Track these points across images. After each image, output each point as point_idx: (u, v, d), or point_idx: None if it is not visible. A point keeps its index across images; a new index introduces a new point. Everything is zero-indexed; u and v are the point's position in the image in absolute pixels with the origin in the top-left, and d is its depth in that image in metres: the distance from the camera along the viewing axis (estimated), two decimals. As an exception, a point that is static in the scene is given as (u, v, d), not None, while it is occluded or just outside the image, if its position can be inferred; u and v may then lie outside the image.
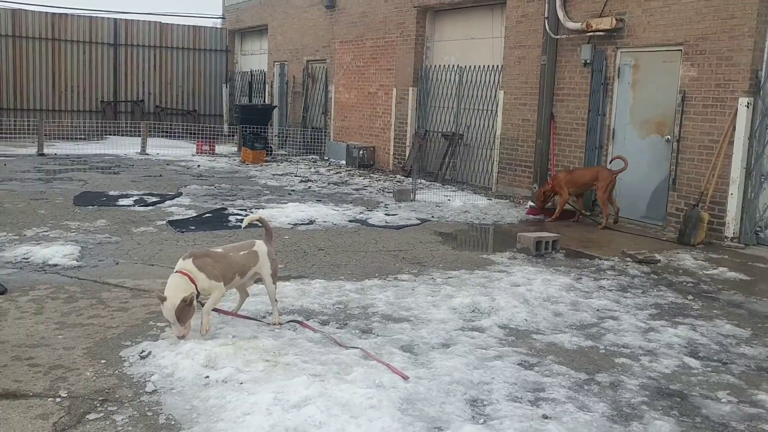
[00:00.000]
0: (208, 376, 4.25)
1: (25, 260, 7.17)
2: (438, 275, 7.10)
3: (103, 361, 4.55)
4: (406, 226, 9.84)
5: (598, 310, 6.17)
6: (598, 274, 7.50)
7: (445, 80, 14.93)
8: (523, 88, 12.61)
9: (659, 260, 8.17)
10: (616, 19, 10.51)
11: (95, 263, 7.17)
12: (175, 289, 4.67)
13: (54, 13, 22.78)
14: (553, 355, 5.01)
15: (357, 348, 4.81)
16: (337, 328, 5.35)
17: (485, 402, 4.16)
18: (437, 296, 6.26)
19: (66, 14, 23.04)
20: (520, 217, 10.87)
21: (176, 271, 4.79)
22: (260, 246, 5.35)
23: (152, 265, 7.18)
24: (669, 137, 10.06)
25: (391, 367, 4.46)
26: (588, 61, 11.13)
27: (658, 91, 10.22)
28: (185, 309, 4.66)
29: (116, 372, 4.39)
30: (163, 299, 4.63)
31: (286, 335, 5.05)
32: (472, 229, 10.04)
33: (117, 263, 7.21)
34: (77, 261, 7.20)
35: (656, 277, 7.49)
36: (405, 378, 4.33)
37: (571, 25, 11.32)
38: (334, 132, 19.10)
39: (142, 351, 4.68)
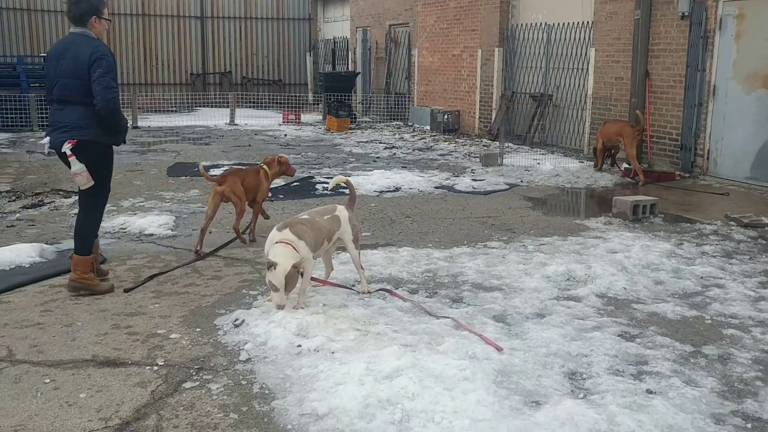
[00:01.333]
0: (300, 345, 4.24)
1: (123, 230, 7.38)
2: (529, 242, 6.89)
3: (198, 330, 4.61)
4: (495, 191, 9.62)
5: (702, 277, 5.84)
6: (700, 239, 7.12)
7: (533, 39, 14.44)
8: (615, 44, 12.05)
9: (767, 224, 7.69)
10: (719, -33, 9.86)
11: (189, 233, 7.31)
12: (284, 256, 4.63)
13: (143, -11, 23.36)
14: (655, 326, 4.77)
15: (448, 318, 4.71)
16: (426, 297, 5.26)
17: (585, 375, 3.99)
18: (529, 264, 6.07)
19: (154, -11, 23.58)
20: (614, 180, 10.46)
21: (277, 242, 4.74)
22: (341, 211, 5.29)
23: (243, 233, 7.26)
24: (777, 92, 9.40)
25: (484, 338, 4.34)
26: (686, 14, 10.49)
27: (767, 43, 9.54)
28: (294, 275, 4.66)
29: (211, 340, 4.44)
30: (274, 265, 4.58)
31: (376, 304, 4.99)
32: (564, 193, 9.73)
33: (210, 232, 7.31)
34: (172, 231, 7.36)
35: (764, 242, 7.04)
36: (499, 349, 4.20)
37: (667, -25, 10.70)
38: (418, 97, 18.88)
39: (236, 319, 4.72)
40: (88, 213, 5.40)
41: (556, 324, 4.69)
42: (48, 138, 5.34)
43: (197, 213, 8.16)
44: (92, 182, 5.22)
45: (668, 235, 7.21)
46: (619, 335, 4.58)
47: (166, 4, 23.43)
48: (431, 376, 3.79)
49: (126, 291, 5.38)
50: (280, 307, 4.66)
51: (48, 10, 22.15)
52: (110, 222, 7.54)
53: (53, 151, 5.29)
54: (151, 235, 7.21)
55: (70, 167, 5.16)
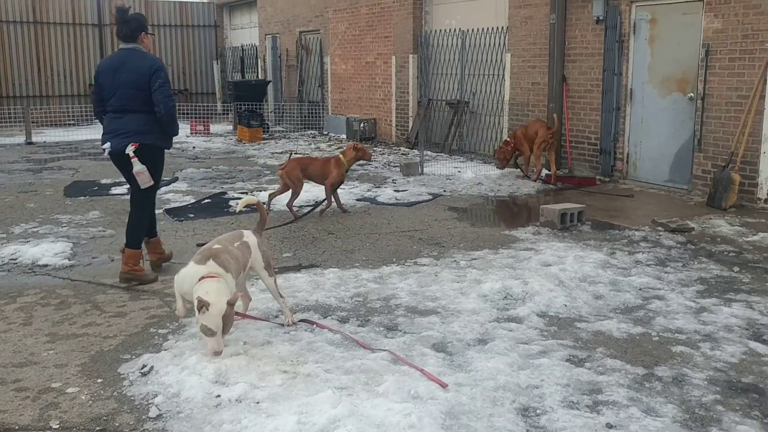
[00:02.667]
0: (219, 395, 3.72)
1: (13, 261, 6.62)
2: (460, 257, 6.55)
3: (99, 381, 4.01)
4: (418, 202, 9.28)
5: (640, 289, 5.63)
6: (631, 246, 6.95)
7: (447, 45, 14.24)
8: (531, 49, 11.95)
9: (693, 228, 7.63)
10: (631, -29, 9.85)
11: (88, 261, 6.62)
12: (217, 293, 4.04)
13: (35, -5, 21.97)
14: (602, 347, 4.48)
15: (385, 350, 4.27)
16: (358, 326, 4.81)
17: (538, 411, 3.63)
18: (464, 282, 5.71)
19: (47, -5, 22.22)
20: (536, 187, 10.29)
21: (204, 277, 4.16)
22: (249, 236, 4.75)
23: (149, 260, 6.62)
24: (692, 95, 9.43)
25: (427, 374, 3.92)
26: (600, 18, 10.47)
27: (679, 47, 9.58)
28: (230, 315, 4.10)
29: (115, 393, 3.85)
30: (206, 305, 3.98)
31: (304, 338, 4.51)
32: (488, 202, 9.47)
33: (112, 260, 6.66)
34: (69, 260, 6.64)
35: (693, 247, 6.94)
36: (444, 386, 3.80)
37: (581, -21, 10.65)
38: (332, 105, 18.44)
39: (143, 366, 4.14)
40: (141, 210, 6.07)
41: (500, 351, 4.33)
42: (108, 143, 5.84)
43: (97, 238, 7.46)
44: (152, 182, 5.90)
45: (599, 244, 7.02)
46: (567, 360, 4.26)
47: (60, 10, 22.09)
48: (373, 425, 3.34)
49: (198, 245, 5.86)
50: (218, 353, 4.06)
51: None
52: (-2, 253, 6.76)
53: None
54: (46, 266, 6.47)
55: (123, 170, 5.91)
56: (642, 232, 7.50)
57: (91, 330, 4.81)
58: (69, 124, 19.73)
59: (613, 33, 10.35)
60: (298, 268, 6.22)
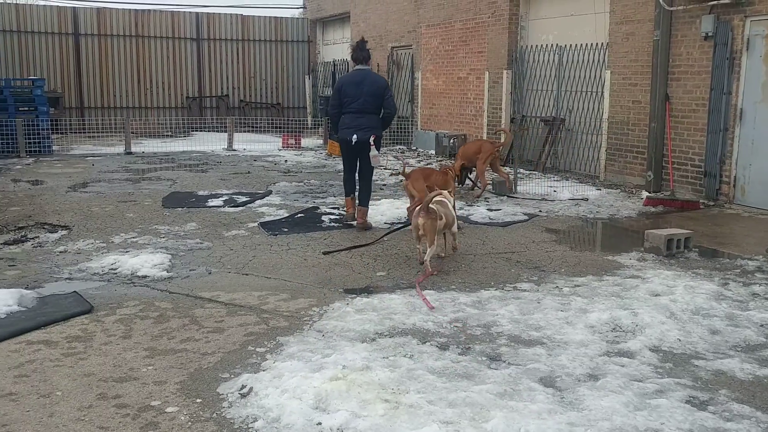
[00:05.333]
0: (320, 423, 3.59)
1: (113, 271, 6.73)
2: (563, 283, 6.26)
3: (198, 401, 3.96)
4: (513, 222, 9.01)
5: (762, 325, 5.22)
6: (745, 277, 6.50)
7: (543, 61, 13.93)
8: (632, 66, 11.52)
9: (814, 259, 7.09)
10: (746, -16, 9.34)
11: (186, 273, 6.67)
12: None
13: (137, 10, 22.84)
14: (726, 389, 4.13)
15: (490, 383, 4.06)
16: (459, 353, 4.62)
17: (661, 459, 3.35)
18: (568, 311, 5.44)
19: (148, 10, 23.08)
20: (637, 209, 9.85)
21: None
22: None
23: (246, 274, 6.63)
24: (812, 116, 8.85)
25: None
26: (709, 34, 9.97)
27: (798, 64, 9.02)
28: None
29: (214, 415, 3.79)
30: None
31: (403, 364, 4.35)
32: (588, 224, 9.11)
33: (209, 273, 6.69)
34: (167, 271, 6.71)
35: (817, 280, 6.43)
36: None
37: (689, -6, 10.18)
38: (422, 120, 18.34)
39: (242, 387, 4.07)
40: (370, 181, 8.64)
41: (613, 388, 4.05)
42: (355, 135, 8.21)
43: (195, 250, 7.53)
44: (382, 163, 8.61)
45: (710, 273, 6.60)
46: (687, 401, 3.95)
47: (161, 25, 22.91)
48: (482, 466, 3.15)
49: (324, 254, 7.24)
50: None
51: (39, 32, 21.61)
52: (99, 262, 6.90)
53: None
54: (145, 277, 6.55)
55: (358, 154, 8.41)
56: (756, 262, 7.02)
57: (189, 346, 4.79)
58: (166, 136, 20.37)
59: (723, 50, 9.83)
60: (392, 289, 6.08)
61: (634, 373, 4.31)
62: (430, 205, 6.50)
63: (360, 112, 8.19)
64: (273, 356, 4.53)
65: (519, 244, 7.86)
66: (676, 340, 4.89)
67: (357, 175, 8.61)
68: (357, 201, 8.59)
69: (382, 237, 7.91)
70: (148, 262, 6.94)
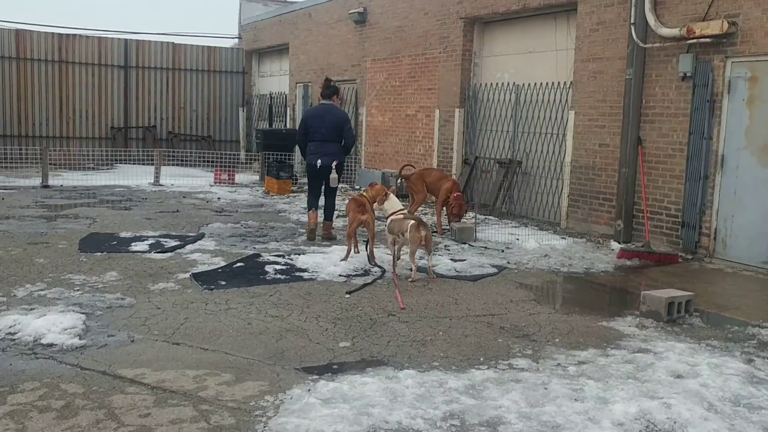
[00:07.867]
0: None
1: (11, 337, 5.42)
2: (563, 358, 5.26)
3: None
4: (483, 276, 8.02)
5: (816, 418, 4.32)
6: (766, 351, 5.65)
7: (498, 100, 13.17)
8: (599, 107, 10.83)
9: (827, 326, 6.32)
10: (728, 23, 8.73)
11: (104, 341, 5.40)
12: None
13: (61, 34, 21.20)
14: None
15: None
16: (466, 468, 3.52)
17: None
18: (585, 401, 4.42)
19: (74, 35, 21.46)
20: (612, 263, 8.98)
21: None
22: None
23: (177, 343, 5.39)
24: (800, 165, 8.22)
25: None
26: (688, 74, 9.32)
27: (784, 110, 8.41)
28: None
29: None
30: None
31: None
32: (565, 280, 8.18)
33: (132, 340, 5.43)
34: (80, 338, 5.41)
35: (843, 353, 5.63)
36: None
37: (665, 31, 9.53)
38: (366, 158, 17.37)
39: None
40: (333, 199, 10.04)
41: None
42: (320, 160, 9.66)
43: (114, 308, 6.24)
44: (338, 183, 9.89)
45: (725, 346, 5.72)
46: None
47: (86, 50, 21.26)
48: None
49: (348, 294, 7.00)
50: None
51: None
52: (-7, 326, 5.53)
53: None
54: (51, 345, 5.25)
55: (321, 177, 9.83)
56: (767, 330, 6.20)
57: (102, 457, 3.55)
58: (88, 168, 18.76)
59: (702, 91, 9.19)
60: (362, 367, 4.96)
61: (699, 500, 3.30)
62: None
63: (323, 141, 9.65)
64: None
65: (497, 304, 6.85)
66: (728, 444, 3.92)
67: (323, 194, 9.97)
68: (322, 216, 9.94)
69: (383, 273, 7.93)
70: (56, 324, 5.63)
